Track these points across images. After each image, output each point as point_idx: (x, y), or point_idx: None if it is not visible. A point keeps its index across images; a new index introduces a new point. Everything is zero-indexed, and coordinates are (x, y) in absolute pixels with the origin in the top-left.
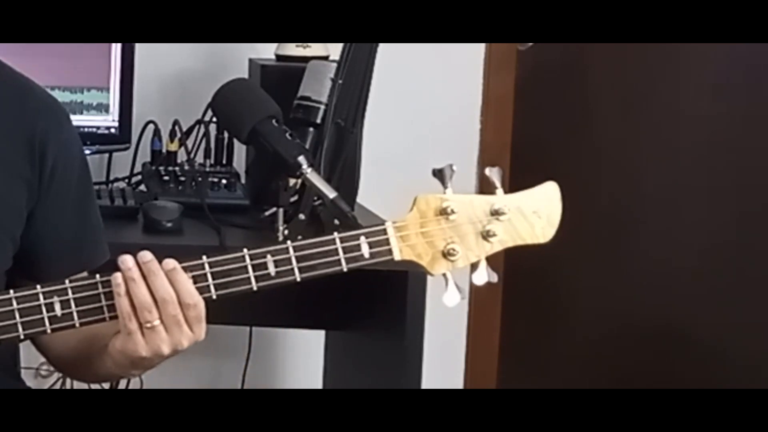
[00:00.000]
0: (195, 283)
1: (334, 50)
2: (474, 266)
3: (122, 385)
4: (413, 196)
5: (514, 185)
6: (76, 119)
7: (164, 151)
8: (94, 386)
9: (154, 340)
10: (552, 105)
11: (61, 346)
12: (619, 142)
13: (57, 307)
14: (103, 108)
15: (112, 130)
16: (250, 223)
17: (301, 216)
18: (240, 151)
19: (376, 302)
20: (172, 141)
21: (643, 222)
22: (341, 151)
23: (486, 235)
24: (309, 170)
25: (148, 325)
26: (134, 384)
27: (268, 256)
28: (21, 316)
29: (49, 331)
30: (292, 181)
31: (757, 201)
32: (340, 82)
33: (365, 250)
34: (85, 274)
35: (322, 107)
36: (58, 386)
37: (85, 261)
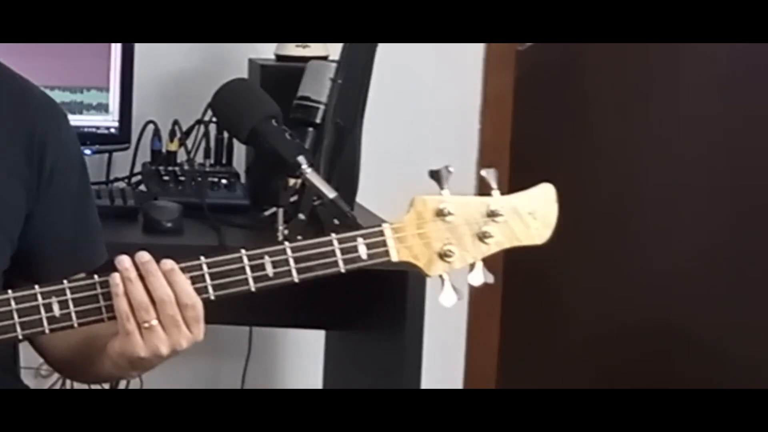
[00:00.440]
0: (193, 283)
1: (334, 50)
2: (471, 267)
3: (122, 385)
4: (412, 196)
5: (513, 185)
6: (76, 119)
7: (164, 151)
8: (94, 386)
9: (152, 340)
10: (551, 105)
11: (59, 347)
12: (618, 142)
13: (55, 307)
14: (103, 108)
15: (112, 130)
16: (250, 223)
17: (301, 216)
18: (240, 151)
19: (376, 302)
20: (172, 141)
21: (642, 222)
22: (341, 151)
23: (482, 237)
24: (309, 170)
25: (146, 325)
26: (134, 384)
27: (266, 257)
28: (19, 317)
29: (47, 331)
30: (291, 181)
31: (757, 201)
32: (340, 82)
33: (362, 252)
34: (83, 274)
35: (322, 107)
36: (58, 386)
37: (83, 262)
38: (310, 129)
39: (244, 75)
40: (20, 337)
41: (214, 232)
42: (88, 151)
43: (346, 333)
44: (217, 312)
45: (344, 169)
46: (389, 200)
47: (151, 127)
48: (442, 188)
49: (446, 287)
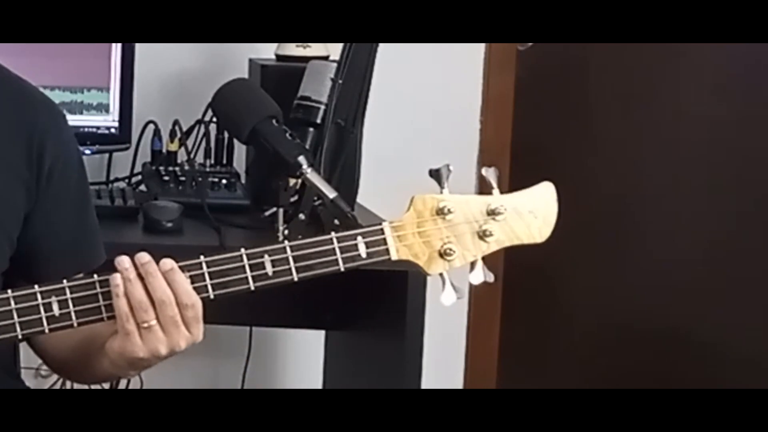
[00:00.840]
0: (192, 283)
1: (334, 50)
2: (471, 266)
3: (122, 385)
4: (412, 195)
5: (514, 185)
6: (77, 119)
7: (164, 151)
8: (94, 386)
9: (151, 340)
10: (552, 105)
11: (58, 348)
12: (619, 142)
13: (55, 307)
14: (103, 108)
15: (112, 130)
16: (250, 223)
17: (301, 216)
18: (240, 151)
19: (376, 302)
20: (172, 141)
21: (643, 222)
22: (341, 151)
23: (483, 235)
24: (309, 170)
25: (145, 325)
26: (134, 384)
27: (266, 256)
28: (19, 316)
29: (47, 331)
30: (292, 181)
31: (757, 200)
32: (340, 82)
33: (362, 250)
34: (82, 274)
35: (322, 107)
36: (58, 386)
37: (82, 263)
38: (311, 129)
39: (245, 75)
40: (20, 336)
41: (215, 232)
42: (88, 151)
43: (346, 333)
44: (217, 312)
45: (345, 169)
46: (390, 200)
47: (151, 127)
48: (442, 187)
49: (446, 286)
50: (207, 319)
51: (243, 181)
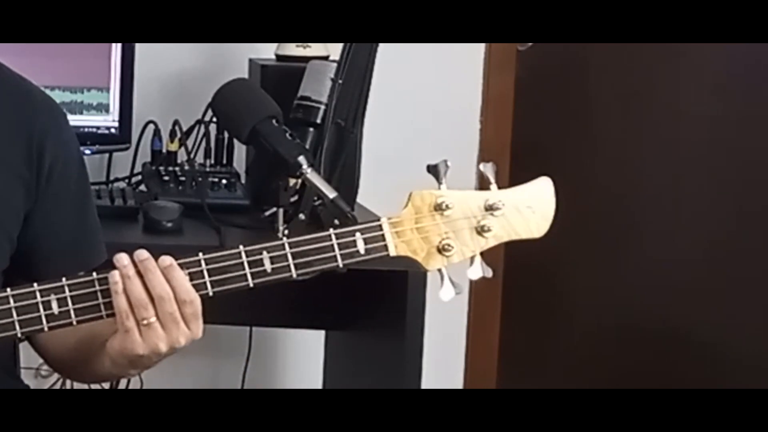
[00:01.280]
0: (191, 280)
1: (334, 50)
2: (470, 262)
3: (122, 385)
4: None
5: (513, 185)
6: (76, 119)
7: (164, 151)
8: (94, 386)
9: (151, 337)
10: (552, 105)
11: (58, 347)
12: (619, 142)
13: (54, 305)
14: (103, 108)
15: (112, 130)
16: (250, 223)
17: (301, 216)
18: (240, 151)
19: (376, 302)
20: (172, 141)
21: (643, 221)
22: (341, 151)
23: (481, 230)
24: (309, 170)
25: (145, 322)
26: (134, 384)
27: (264, 253)
28: (18, 315)
29: (46, 329)
30: (292, 181)
31: (757, 200)
32: (340, 82)
33: (361, 246)
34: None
35: (322, 107)
36: (58, 386)
37: (82, 262)
38: (311, 129)
39: (245, 75)
40: (19, 334)
41: (215, 232)
42: (88, 151)
43: (346, 333)
44: (217, 312)
45: (345, 169)
46: (390, 200)
47: (151, 127)
48: (440, 183)
49: (445, 281)
50: (207, 319)
51: (243, 181)
